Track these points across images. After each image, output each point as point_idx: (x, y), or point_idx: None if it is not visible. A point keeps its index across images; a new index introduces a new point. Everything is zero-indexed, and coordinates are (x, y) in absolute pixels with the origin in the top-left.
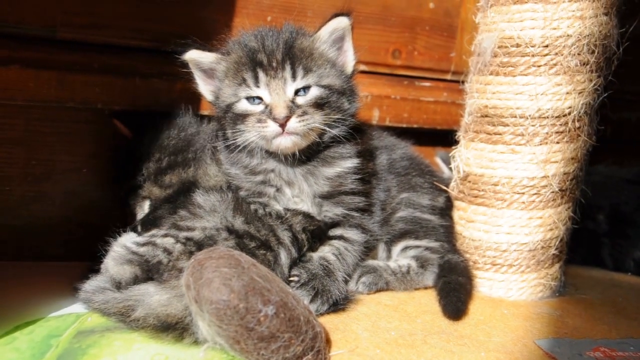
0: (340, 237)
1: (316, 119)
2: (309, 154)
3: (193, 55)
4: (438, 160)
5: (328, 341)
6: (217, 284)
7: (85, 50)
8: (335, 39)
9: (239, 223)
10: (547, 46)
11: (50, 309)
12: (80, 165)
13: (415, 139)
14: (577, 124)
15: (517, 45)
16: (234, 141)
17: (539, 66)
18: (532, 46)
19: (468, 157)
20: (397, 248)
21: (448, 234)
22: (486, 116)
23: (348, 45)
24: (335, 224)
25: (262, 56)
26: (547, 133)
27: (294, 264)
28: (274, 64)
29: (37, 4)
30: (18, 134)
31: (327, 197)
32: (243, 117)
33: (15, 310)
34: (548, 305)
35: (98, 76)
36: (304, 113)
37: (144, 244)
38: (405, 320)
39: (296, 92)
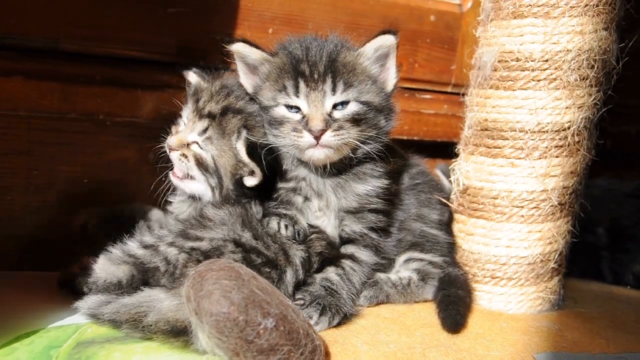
0: (351, 257)
1: (351, 135)
2: (340, 168)
3: (239, 48)
4: (438, 173)
5: (327, 354)
6: (217, 296)
7: (88, 61)
8: (379, 56)
9: (247, 237)
10: (546, 61)
11: (51, 319)
12: (81, 175)
13: (415, 151)
14: (576, 138)
15: (517, 60)
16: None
17: (538, 80)
18: (532, 60)
19: (468, 170)
20: (401, 259)
21: (451, 250)
22: (486, 130)
23: (391, 63)
24: (350, 240)
25: (305, 66)
26: (546, 147)
27: (298, 284)
28: (316, 76)
29: (40, 16)
30: (20, 144)
31: (352, 212)
32: (279, 122)
33: (16, 321)
34: (547, 319)
35: (100, 87)
36: (340, 128)
37: (145, 247)
38: (404, 333)
39: (334, 106)
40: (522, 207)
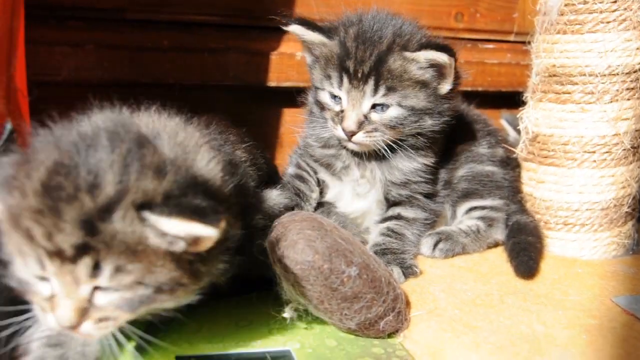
0: (397, 217)
1: (385, 137)
2: (382, 154)
3: (295, 29)
4: (503, 122)
5: (407, 303)
6: (301, 245)
7: (155, 28)
8: (433, 64)
9: None
10: (615, 1)
11: None
12: None
13: (479, 101)
14: None
15: (585, 2)
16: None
17: (607, 22)
18: (600, 2)
19: (537, 117)
20: (462, 209)
21: (512, 188)
22: (554, 75)
23: (448, 72)
24: (396, 203)
25: (350, 63)
26: (617, 90)
27: None
28: (359, 75)
29: None
30: None
31: (397, 184)
32: (323, 107)
33: None
34: (622, 263)
35: (168, 53)
36: (375, 130)
37: None
38: (480, 281)
39: (373, 106)
40: (594, 152)
